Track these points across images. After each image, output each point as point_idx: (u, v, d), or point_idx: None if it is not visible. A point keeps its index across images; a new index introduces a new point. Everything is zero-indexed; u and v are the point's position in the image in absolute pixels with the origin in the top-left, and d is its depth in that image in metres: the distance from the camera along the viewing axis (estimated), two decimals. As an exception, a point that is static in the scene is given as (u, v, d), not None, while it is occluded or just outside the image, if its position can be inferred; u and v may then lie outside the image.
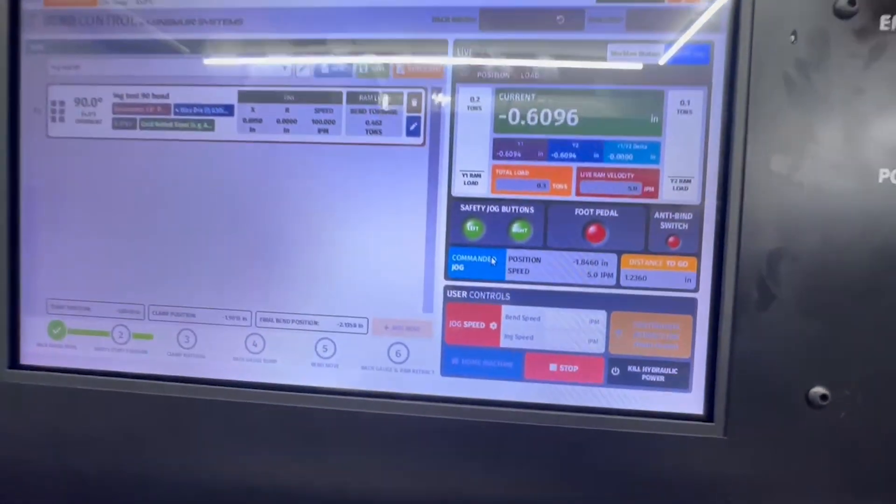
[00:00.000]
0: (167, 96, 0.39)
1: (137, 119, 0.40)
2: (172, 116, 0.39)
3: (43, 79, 0.40)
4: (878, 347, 0.34)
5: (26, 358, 0.42)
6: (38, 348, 0.41)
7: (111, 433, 0.40)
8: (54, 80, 0.40)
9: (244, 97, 0.39)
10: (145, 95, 0.40)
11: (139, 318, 0.40)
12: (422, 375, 0.38)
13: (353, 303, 0.38)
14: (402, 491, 0.38)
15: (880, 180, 0.34)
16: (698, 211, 0.36)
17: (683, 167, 0.36)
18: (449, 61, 0.37)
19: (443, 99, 0.37)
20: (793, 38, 0.34)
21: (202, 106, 0.39)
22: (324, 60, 0.38)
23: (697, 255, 0.36)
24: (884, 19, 0.33)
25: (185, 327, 0.40)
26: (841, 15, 0.33)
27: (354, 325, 0.39)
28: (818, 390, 0.34)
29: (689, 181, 0.36)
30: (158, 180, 0.40)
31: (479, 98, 0.37)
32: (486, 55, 0.37)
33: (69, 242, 0.41)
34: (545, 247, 0.37)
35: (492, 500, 0.37)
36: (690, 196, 0.36)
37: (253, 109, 0.39)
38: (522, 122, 0.37)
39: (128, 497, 0.40)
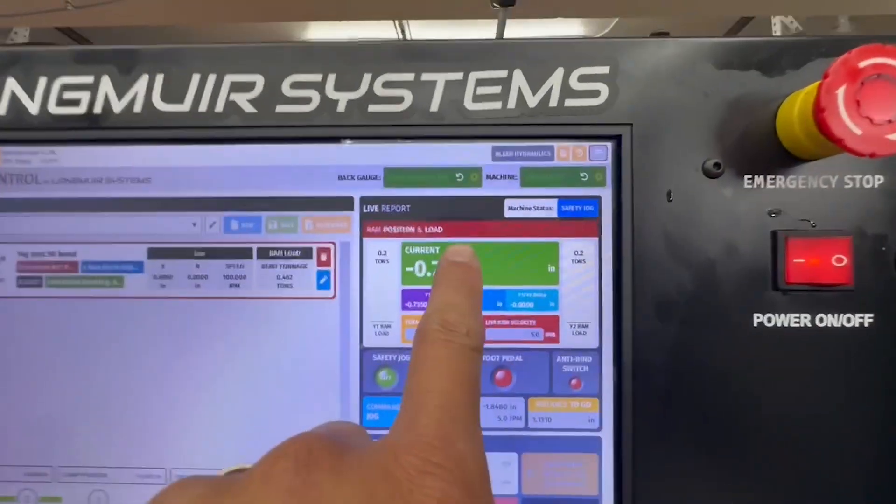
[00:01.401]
0: (75, 254, 0.39)
1: (43, 277, 0.39)
2: (80, 274, 0.39)
3: (-58, 238, 0.39)
4: (777, 476, 0.37)
5: (-77, 528, 0.39)
6: (-64, 517, 0.39)
7: None
8: (-46, 240, 0.39)
9: (154, 254, 0.39)
10: (51, 253, 0.39)
11: (47, 481, 0.39)
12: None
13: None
14: None
15: (755, 324, 0.37)
16: (597, 354, 0.38)
17: (580, 313, 0.38)
18: (354, 217, 0.38)
19: (351, 252, 0.38)
20: (669, 197, 0.37)
21: (111, 263, 0.39)
22: (232, 214, 0.39)
23: (599, 395, 0.38)
24: (746, 179, 0.37)
25: (97, 488, 0.39)
26: (709, 175, 0.37)
27: (272, 478, 0.38)
28: (715, 525, 0.37)
29: (587, 326, 0.38)
30: (66, 338, 0.39)
31: (386, 251, 0.38)
32: (390, 211, 0.38)
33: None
34: (456, 393, 0.38)
35: None
36: (589, 341, 0.38)
37: (163, 266, 0.39)
38: (429, 274, 0.38)
39: None
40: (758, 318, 0.37)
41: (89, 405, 0.39)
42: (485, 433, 0.39)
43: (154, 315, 0.39)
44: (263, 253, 0.38)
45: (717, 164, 0.36)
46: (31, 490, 0.39)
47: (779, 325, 0.37)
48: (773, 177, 0.37)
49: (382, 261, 0.38)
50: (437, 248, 0.38)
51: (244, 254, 0.38)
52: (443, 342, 0.23)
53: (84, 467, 0.39)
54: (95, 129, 0.39)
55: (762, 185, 0.37)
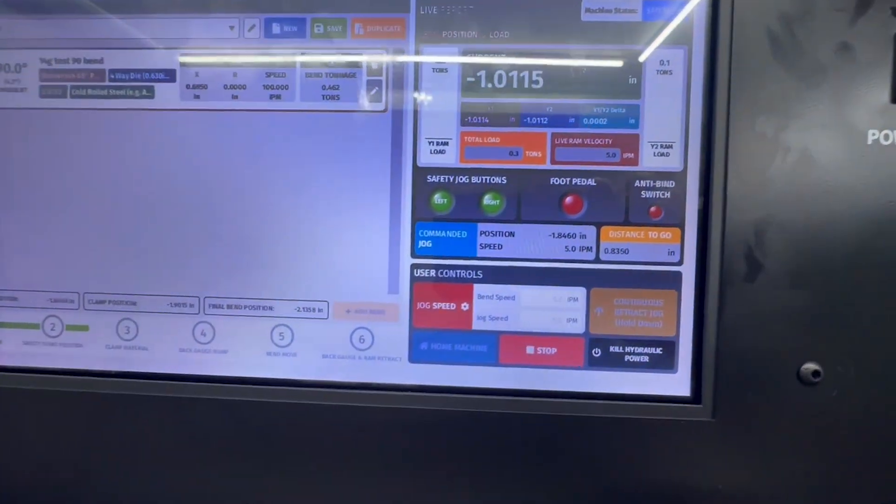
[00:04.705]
0: (101, 61, 0.36)
1: (68, 87, 0.36)
2: (107, 83, 0.36)
3: (-41, 43, 0.36)
4: (872, 320, 0.32)
5: (-54, 356, 0.37)
6: (-41, 344, 0.37)
7: (43, 434, 0.36)
8: (-28, 44, 0.36)
9: (187, 60, 0.35)
10: (76, 60, 0.36)
11: (73, 308, 0.36)
12: (388, 363, 0.35)
13: (312, 285, 0.35)
14: (367, 489, 0.35)
15: (869, 142, 0.32)
16: (681, 178, 0.33)
17: (664, 131, 0.33)
18: (411, 17, 0.34)
19: (406, 61, 0.34)
20: (777, -10, 0.32)
21: (140, 71, 0.35)
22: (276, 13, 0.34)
23: (681, 225, 0.33)
24: (870, -29, 0.32)
25: (126, 317, 0.36)
26: (826, -34, 0.32)
27: (313, 310, 0.35)
28: (810, 367, 0.32)
29: (671, 146, 0.33)
30: (92, 155, 0.36)
31: (444, 59, 0.34)
32: (451, 12, 0.34)
33: (-8, 225, 0.36)
34: (519, 220, 0.34)
35: (466, 495, 0.34)
36: (672, 162, 0.33)
37: (197, 74, 0.35)
38: (492, 85, 0.34)
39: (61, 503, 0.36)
40: (873, 134, 0.32)
41: (118, 230, 0.36)
42: (550, 265, 0.35)
43: (187, 129, 0.35)
44: (308, 60, 0.35)
45: (836, -48, 0.31)
46: (56, 318, 0.37)
47: (898, 143, 0.32)
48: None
49: (440, 70, 0.34)
50: (503, 55, 0.34)
51: (286, 61, 0.35)
52: None
53: (113, 294, 0.36)
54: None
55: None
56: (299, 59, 0.34)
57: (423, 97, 0.34)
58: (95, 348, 0.36)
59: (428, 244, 0.34)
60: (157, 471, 0.36)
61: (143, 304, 0.36)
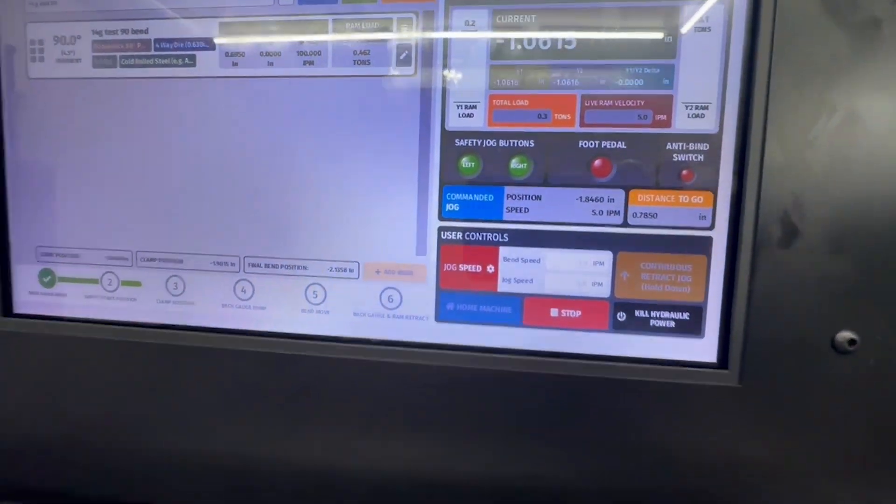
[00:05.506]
0: (146, 31, 0.37)
1: (117, 56, 0.38)
2: (153, 52, 0.37)
3: (20, 17, 0.39)
4: (915, 288, 0.31)
5: (19, 307, 0.41)
6: (30, 297, 0.41)
7: (101, 381, 0.39)
8: (32, 18, 0.39)
9: (225, 29, 0.36)
10: (124, 31, 0.38)
11: (127, 265, 0.39)
12: (415, 321, 0.36)
13: (344, 246, 0.36)
14: (393, 441, 0.37)
15: (925, 100, 0.30)
16: (716, 141, 0.32)
17: (700, 92, 0.32)
18: (441, -18, 0.34)
19: (435, 24, 0.34)
20: (828, -63, 0.30)
21: (182, 40, 0.37)
22: (308, -14, 0.35)
23: (713, 189, 0.33)
24: (936, -89, 0.29)
25: (174, 274, 0.39)
26: None
27: (345, 270, 0.37)
28: (846, 335, 0.31)
29: (706, 108, 0.32)
30: (141, 122, 0.38)
31: (474, 21, 0.34)
32: (481, -27, 0.33)
33: (56, 188, 0.40)
34: (546, 183, 0.34)
35: (488, 452, 0.36)
36: (707, 124, 0.32)
37: (235, 43, 0.36)
38: (521, 47, 0.34)
39: (118, 443, 0.40)
40: (930, 92, 0.30)
41: (165, 192, 0.38)
42: (577, 229, 0.35)
43: (227, 96, 0.37)
44: (340, 25, 0.35)
45: None
46: (113, 274, 0.40)
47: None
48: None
49: (470, 31, 0.34)
50: (533, 15, 0.33)
51: (319, 27, 0.35)
52: None
53: (162, 253, 0.39)
54: None
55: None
56: (331, 24, 0.35)
57: (452, 60, 0.34)
58: (147, 302, 0.39)
59: (455, 207, 0.35)
60: (200, 416, 0.39)
61: (189, 262, 0.38)
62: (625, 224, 0.34)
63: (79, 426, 0.40)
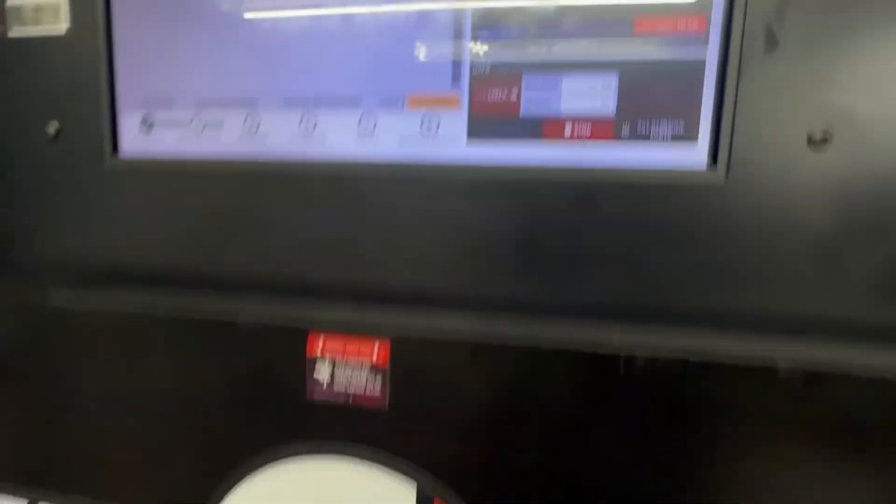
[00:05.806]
0: None
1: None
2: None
3: None
4: (885, 85, 0.36)
5: (124, 148, 0.50)
6: (133, 139, 0.50)
7: (189, 211, 0.48)
8: None
9: None
10: None
11: (212, 107, 0.47)
12: (452, 143, 0.43)
13: (390, 81, 0.43)
14: (433, 245, 0.44)
15: (897, -86, 0.34)
16: (711, -33, 0.37)
17: (698, -76, 0.37)
18: None
19: None
20: None
21: None
22: None
23: (707, 10, 0.38)
24: None
25: (250, 113, 0.47)
26: None
27: (393, 103, 0.44)
28: (819, 130, 0.37)
29: (703, -62, 0.37)
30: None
31: None
32: None
33: (154, 41, 0.48)
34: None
35: (511, 253, 0.43)
36: (703, -48, 0.37)
37: None
38: None
39: (206, 265, 0.49)
40: None
41: (243, 36, 0.46)
42: (586, 58, 0.41)
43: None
44: None
45: None
46: (199, 116, 0.48)
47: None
48: None
49: None
50: None
51: None
52: None
53: (239, 97, 0.47)
54: None
55: None
56: None
57: None
58: (230, 138, 0.47)
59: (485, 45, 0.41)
60: (276, 234, 0.47)
61: (263, 101, 0.46)
62: (628, 48, 0.39)
63: (173, 250, 0.49)
